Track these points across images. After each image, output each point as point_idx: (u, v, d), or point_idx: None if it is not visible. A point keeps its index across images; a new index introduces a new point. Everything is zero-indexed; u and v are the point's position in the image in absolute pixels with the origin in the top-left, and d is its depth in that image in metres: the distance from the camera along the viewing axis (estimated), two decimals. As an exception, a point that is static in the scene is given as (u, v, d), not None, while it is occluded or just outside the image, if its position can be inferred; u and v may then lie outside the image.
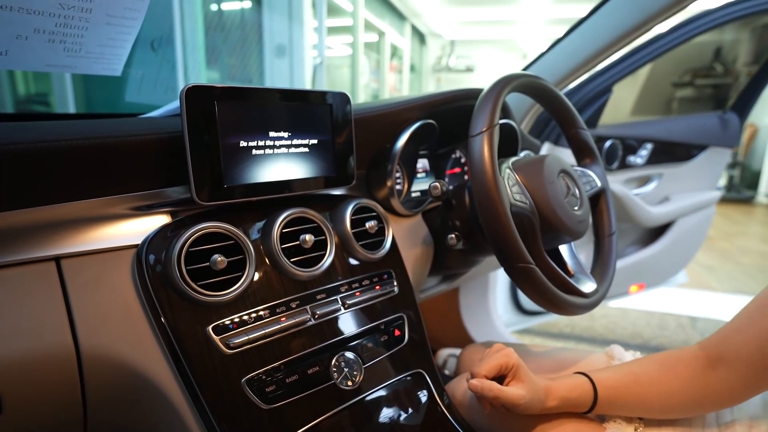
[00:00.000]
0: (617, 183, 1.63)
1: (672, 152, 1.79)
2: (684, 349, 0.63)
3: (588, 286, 0.79)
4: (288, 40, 4.08)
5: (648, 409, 0.64)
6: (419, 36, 8.98)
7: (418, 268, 0.87)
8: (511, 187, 0.73)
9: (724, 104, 1.91)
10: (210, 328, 0.55)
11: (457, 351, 1.43)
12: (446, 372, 1.37)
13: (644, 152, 1.70)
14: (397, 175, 0.93)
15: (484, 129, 0.68)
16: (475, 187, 0.67)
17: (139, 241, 0.56)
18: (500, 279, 1.64)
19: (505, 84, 0.74)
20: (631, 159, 1.68)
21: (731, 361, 0.57)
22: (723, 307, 2.63)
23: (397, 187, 0.93)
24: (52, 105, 3.00)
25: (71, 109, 2.86)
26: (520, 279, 0.68)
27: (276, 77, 4.10)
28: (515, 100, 1.25)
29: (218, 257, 0.55)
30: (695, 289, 2.91)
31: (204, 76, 3.44)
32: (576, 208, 0.78)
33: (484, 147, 0.67)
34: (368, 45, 6.71)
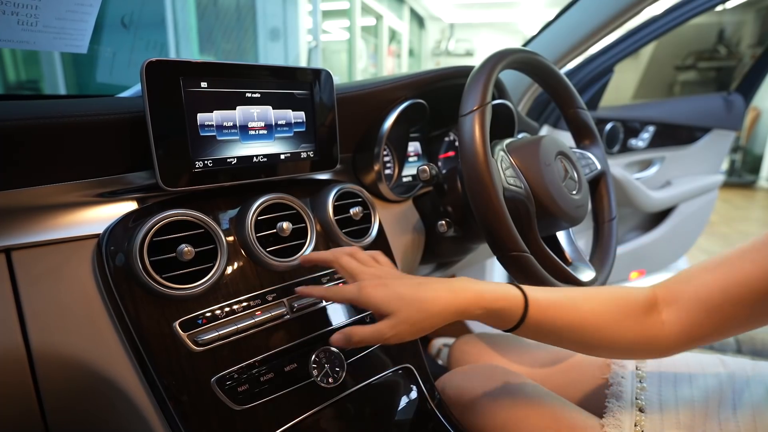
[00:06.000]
0: (618, 167, 1.59)
1: (675, 135, 1.74)
2: (638, 288, 0.57)
3: (586, 274, 0.75)
4: (282, 23, 4.00)
5: (577, 340, 0.55)
6: (418, 19, 8.84)
7: (409, 256, 0.83)
8: (504, 170, 0.68)
9: (728, 87, 1.86)
10: (177, 324, 0.51)
11: (451, 340, 1.40)
12: (439, 362, 1.34)
13: (646, 135, 1.65)
14: (387, 158, 0.89)
15: (474, 108, 0.63)
16: (465, 169, 0.63)
17: (100, 231, 0.52)
18: (497, 266, 1.60)
19: (498, 60, 0.69)
20: (633, 142, 1.63)
21: (686, 301, 0.52)
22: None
23: (387, 171, 0.88)
24: (42, 91, 2.93)
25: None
26: (514, 268, 0.64)
27: (270, 61, 4.02)
28: (512, 79, 1.20)
29: (185, 247, 0.51)
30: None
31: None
32: (574, 192, 0.74)
33: (474, 127, 0.62)
34: (366, 29, 6.60)
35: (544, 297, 0.54)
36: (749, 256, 0.49)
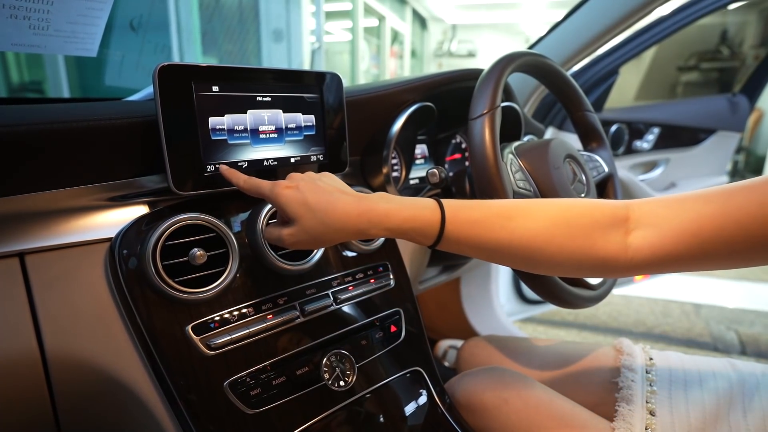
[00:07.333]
0: (623, 168, 1.59)
1: (679, 137, 1.74)
2: (606, 202, 0.51)
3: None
4: (285, 25, 4.00)
5: (509, 258, 0.51)
6: (420, 20, 8.84)
7: (417, 259, 0.83)
8: (514, 173, 0.68)
9: (730, 88, 1.86)
10: (189, 327, 0.51)
11: (458, 342, 1.40)
12: (446, 364, 1.34)
13: (651, 137, 1.65)
14: (394, 161, 0.89)
15: (484, 111, 0.63)
16: (475, 173, 0.63)
17: (112, 235, 0.52)
18: (502, 268, 1.60)
19: (507, 63, 0.69)
20: (638, 144, 1.64)
21: (668, 229, 0.46)
22: (726, 293, 2.60)
23: (395, 174, 0.88)
24: (46, 93, 2.94)
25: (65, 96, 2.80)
26: (524, 273, 0.64)
27: (273, 63, 4.03)
28: (518, 81, 1.20)
29: (197, 251, 0.51)
30: (698, 276, 2.87)
31: (200, 62, 3.37)
32: (583, 195, 0.74)
33: (484, 130, 0.62)
34: (368, 30, 6.60)
35: (467, 215, 0.49)
36: (756, 198, 0.44)
